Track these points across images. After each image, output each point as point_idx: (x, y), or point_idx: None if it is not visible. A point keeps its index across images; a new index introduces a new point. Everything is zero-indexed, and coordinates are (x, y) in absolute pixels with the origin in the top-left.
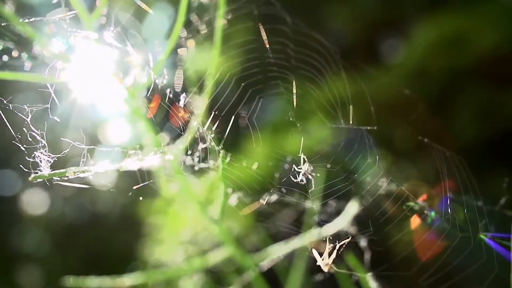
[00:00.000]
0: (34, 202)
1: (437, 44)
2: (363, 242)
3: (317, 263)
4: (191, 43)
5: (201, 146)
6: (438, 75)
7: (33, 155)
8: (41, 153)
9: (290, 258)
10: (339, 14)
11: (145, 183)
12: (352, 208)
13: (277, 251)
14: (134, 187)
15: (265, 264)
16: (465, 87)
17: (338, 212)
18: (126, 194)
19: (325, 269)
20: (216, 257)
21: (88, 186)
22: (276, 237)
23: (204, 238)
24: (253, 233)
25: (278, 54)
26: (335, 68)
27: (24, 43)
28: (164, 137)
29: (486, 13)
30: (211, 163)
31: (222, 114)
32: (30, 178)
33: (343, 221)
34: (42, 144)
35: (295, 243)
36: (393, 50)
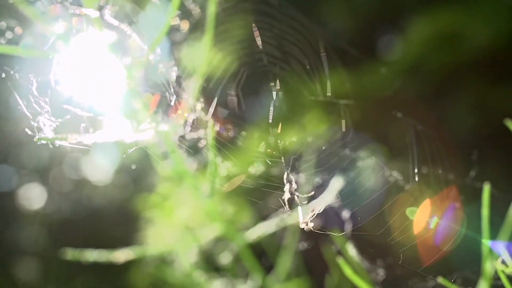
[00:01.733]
0: (31, 197)
1: (433, 39)
2: (345, 214)
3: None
4: (185, 24)
5: (191, 116)
6: (434, 70)
7: (37, 119)
8: (45, 117)
9: (280, 236)
10: (336, 9)
11: (136, 147)
12: (337, 183)
13: (266, 228)
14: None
15: (254, 239)
16: (461, 82)
17: (323, 188)
18: (122, 189)
19: (302, 226)
20: (207, 234)
21: (86, 147)
22: (266, 216)
23: (199, 224)
24: (244, 212)
25: (264, 32)
26: (317, 47)
27: (27, 22)
28: (158, 111)
29: (482, 9)
30: (201, 132)
31: (210, 87)
32: (34, 139)
33: (329, 197)
34: (46, 110)
35: (284, 220)
36: (389, 46)
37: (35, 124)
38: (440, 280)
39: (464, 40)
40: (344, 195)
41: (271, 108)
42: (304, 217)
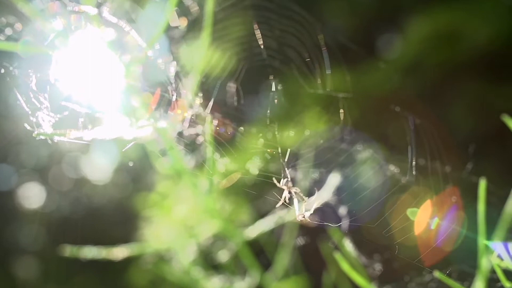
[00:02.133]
0: (30, 197)
1: (431, 38)
2: (342, 210)
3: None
4: (183, 21)
5: (189, 112)
6: (432, 69)
7: (36, 115)
8: (44, 113)
9: (278, 233)
10: (336, 8)
11: (133, 143)
12: (334, 179)
13: (264, 225)
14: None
15: (253, 235)
16: (460, 82)
17: (321, 183)
18: (122, 188)
19: (299, 219)
20: (206, 231)
21: (85, 142)
22: (264, 213)
23: (197, 221)
24: (242, 209)
25: (263, 26)
26: (316, 40)
27: (26, 19)
28: (157, 107)
29: (480, 8)
30: (199, 128)
31: (209, 82)
32: (33, 134)
33: (326, 193)
34: (45, 105)
35: (282, 217)
36: (389, 45)
37: (34, 120)
38: (436, 274)
39: (462, 39)
40: (342, 189)
41: (270, 102)
42: (300, 209)
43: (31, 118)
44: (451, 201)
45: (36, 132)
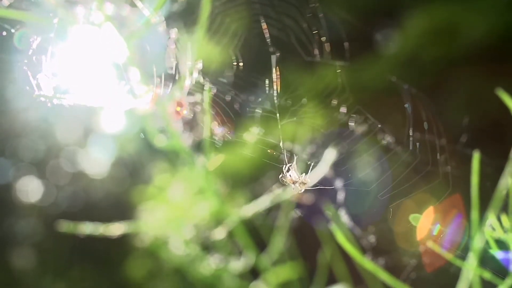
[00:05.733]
0: (28, 190)
1: (429, 33)
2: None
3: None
4: None
5: (188, 81)
6: (429, 63)
7: (37, 77)
8: (45, 75)
9: (274, 216)
10: (333, 2)
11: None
12: (330, 154)
13: (261, 204)
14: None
15: (249, 214)
16: (456, 76)
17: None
18: (119, 182)
19: (296, 191)
20: (202, 211)
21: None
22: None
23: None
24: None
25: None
26: (315, 11)
27: None
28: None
29: (477, 3)
30: (197, 97)
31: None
32: (34, 95)
33: (323, 169)
34: (46, 67)
35: (279, 195)
36: (386, 39)
37: (35, 82)
38: (430, 244)
39: (460, 34)
40: (338, 165)
41: (269, 73)
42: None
43: (32, 80)
44: (447, 173)
45: (36, 93)
